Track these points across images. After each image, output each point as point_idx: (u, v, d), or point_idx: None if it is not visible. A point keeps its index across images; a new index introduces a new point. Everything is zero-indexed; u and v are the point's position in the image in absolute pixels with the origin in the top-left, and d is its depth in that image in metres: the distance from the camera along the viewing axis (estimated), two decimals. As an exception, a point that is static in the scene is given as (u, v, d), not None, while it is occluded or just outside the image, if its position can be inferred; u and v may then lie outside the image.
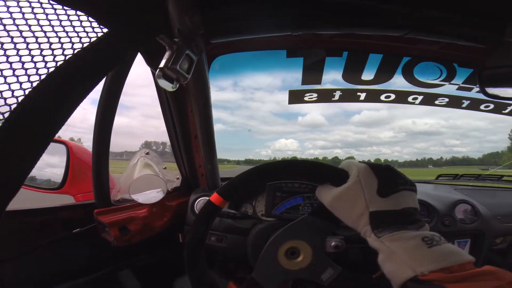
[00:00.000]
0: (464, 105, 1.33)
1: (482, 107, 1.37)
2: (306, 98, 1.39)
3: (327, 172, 0.55)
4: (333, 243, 0.86)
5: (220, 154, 1.25)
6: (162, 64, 0.59)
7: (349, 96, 1.34)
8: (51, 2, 0.42)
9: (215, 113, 1.13)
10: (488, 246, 1.16)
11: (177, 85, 0.65)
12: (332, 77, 1.26)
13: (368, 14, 0.65)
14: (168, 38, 0.60)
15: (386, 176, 0.50)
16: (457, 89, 1.20)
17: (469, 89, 1.21)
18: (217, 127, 1.27)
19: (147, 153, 1.14)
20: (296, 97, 1.39)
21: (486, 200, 1.26)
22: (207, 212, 0.58)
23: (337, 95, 1.35)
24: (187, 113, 1.10)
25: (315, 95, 1.37)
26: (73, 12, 0.44)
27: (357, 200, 0.48)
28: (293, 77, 1.28)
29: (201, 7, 0.63)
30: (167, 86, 0.64)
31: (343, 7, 0.64)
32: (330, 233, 0.73)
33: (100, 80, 0.44)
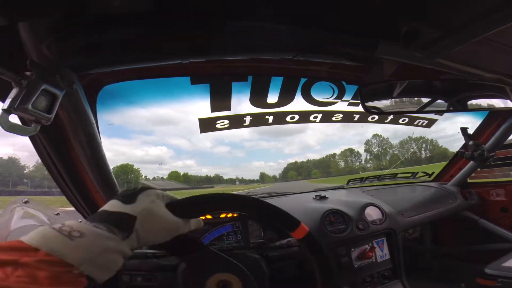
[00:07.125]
0: (355, 119, 1.52)
1: (369, 119, 1.60)
2: (218, 126, 1.36)
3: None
4: None
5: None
6: (5, 105, 0.46)
7: (258, 120, 1.37)
8: None
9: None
10: (401, 240, 1.27)
11: (38, 128, 0.52)
12: (241, 102, 1.28)
13: (257, 38, 0.65)
14: (12, 71, 0.47)
15: None
16: (348, 105, 1.37)
17: (357, 104, 1.39)
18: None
19: (26, 202, 1.00)
20: (207, 125, 1.34)
21: (389, 198, 1.43)
22: None
23: (247, 120, 1.36)
24: (69, 153, 0.90)
25: (226, 121, 1.35)
26: None
27: None
28: (201, 104, 1.25)
29: (56, 35, 0.53)
30: (22, 130, 0.50)
31: (231, 31, 0.63)
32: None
33: None
